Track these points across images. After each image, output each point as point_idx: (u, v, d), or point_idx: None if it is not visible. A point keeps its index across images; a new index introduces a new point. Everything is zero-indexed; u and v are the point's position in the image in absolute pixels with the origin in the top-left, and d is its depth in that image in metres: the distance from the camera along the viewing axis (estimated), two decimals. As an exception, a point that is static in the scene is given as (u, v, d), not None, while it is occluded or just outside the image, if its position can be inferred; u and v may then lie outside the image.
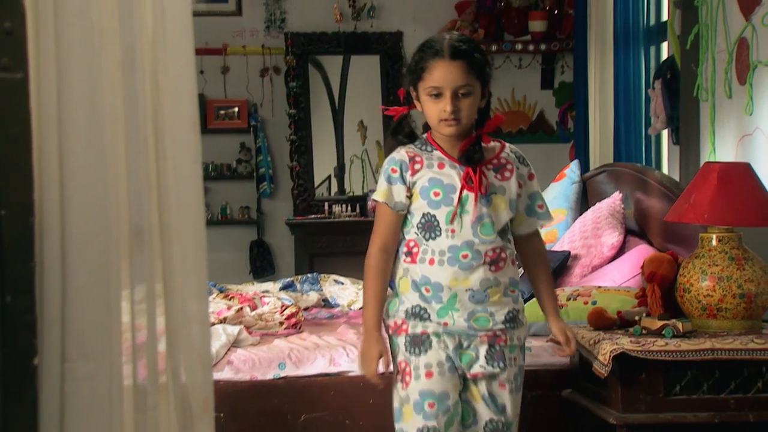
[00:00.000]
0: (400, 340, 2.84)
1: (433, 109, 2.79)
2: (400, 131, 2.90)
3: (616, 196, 4.90)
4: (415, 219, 2.83)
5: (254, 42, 7.56)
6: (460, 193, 2.79)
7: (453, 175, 2.81)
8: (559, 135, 7.74)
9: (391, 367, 2.89)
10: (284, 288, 5.20)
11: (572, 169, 5.55)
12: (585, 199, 5.42)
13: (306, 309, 4.83)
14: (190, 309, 2.18)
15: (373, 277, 2.86)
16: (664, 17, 5.81)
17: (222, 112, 7.52)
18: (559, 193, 5.39)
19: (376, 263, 2.86)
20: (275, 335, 4.17)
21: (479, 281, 2.78)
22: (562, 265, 4.62)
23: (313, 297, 5.03)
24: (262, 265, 7.59)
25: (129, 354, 2.07)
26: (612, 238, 4.59)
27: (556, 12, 7.51)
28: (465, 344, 2.82)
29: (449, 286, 2.78)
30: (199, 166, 2.17)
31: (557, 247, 4.88)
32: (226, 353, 3.85)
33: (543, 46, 7.52)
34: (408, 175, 2.82)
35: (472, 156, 2.80)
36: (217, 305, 4.26)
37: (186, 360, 2.19)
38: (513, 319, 2.85)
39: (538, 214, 2.93)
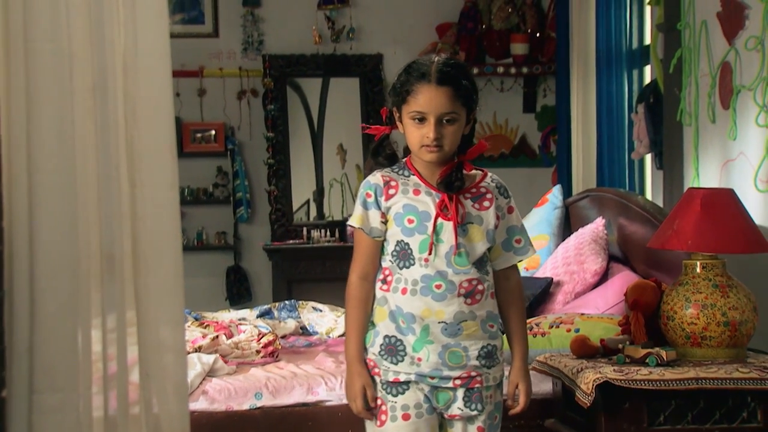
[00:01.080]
0: (376, 379, 2.80)
1: (415, 134, 2.73)
2: (381, 152, 2.85)
3: (599, 222, 4.91)
4: (389, 246, 2.78)
5: (231, 64, 7.56)
6: (435, 221, 2.74)
7: (428, 203, 2.76)
8: (542, 159, 7.76)
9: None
10: (261, 315, 5.18)
11: (555, 194, 5.55)
12: (568, 225, 5.42)
13: (283, 337, 4.81)
14: (165, 338, 2.17)
15: (355, 306, 2.81)
16: (647, 41, 5.84)
17: (198, 135, 7.51)
18: (541, 219, 5.39)
19: (356, 292, 2.81)
20: (252, 364, 4.15)
21: (453, 314, 2.73)
22: (544, 291, 4.62)
23: (290, 324, 5.02)
24: (238, 292, 7.56)
25: (100, 384, 2.05)
26: (595, 264, 4.60)
27: (538, 35, 7.54)
28: (441, 386, 2.76)
29: (421, 317, 2.73)
30: (176, 192, 2.16)
31: (540, 274, 4.88)
32: (201, 383, 3.83)
33: (525, 69, 7.55)
34: (382, 200, 2.77)
35: (451, 183, 2.75)
36: (192, 333, 4.24)
37: (160, 390, 2.17)
38: (488, 356, 2.78)
39: (515, 249, 2.85)
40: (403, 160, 2.84)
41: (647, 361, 3.40)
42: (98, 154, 1.95)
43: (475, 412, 2.77)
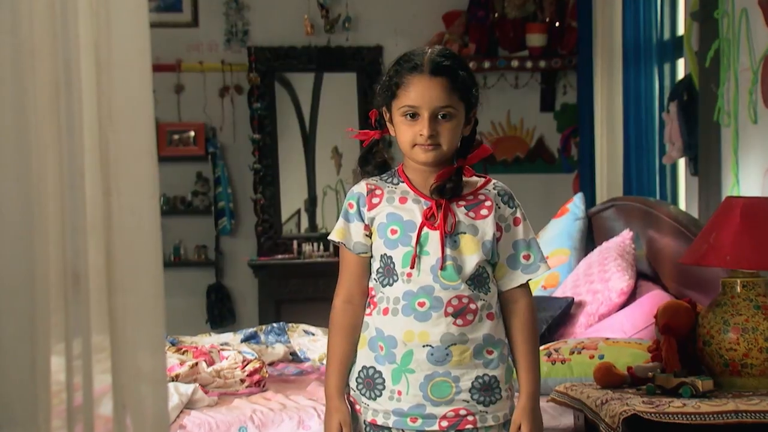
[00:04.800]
0: (359, 417, 2.78)
1: (407, 132, 2.72)
2: (371, 160, 2.84)
3: (626, 235, 4.91)
4: (375, 263, 2.77)
5: (213, 57, 7.58)
6: (419, 230, 2.72)
7: (415, 211, 2.73)
8: (561, 164, 7.77)
9: None
10: (246, 340, 5.18)
11: (576, 204, 5.56)
12: (590, 238, 5.42)
13: (271, 364, 4.81)
14: (143, 366, 2.16)
15: (336, 334, 2.79)
16: (680, 31, 5.85)
17: (176, 137, 7.52)
18: (560, 231, 5.40)
19: (339, 318, 2.80)
20: (235, 395, 4.14)
21: (440, 336, 2.68)
22: (564, 313, 4.62)
23: (279, 350, 5.02)
24: (220, 313, 7.57)
25: (64, 417, 2.05)
26: (621, 282, 4.60)
27: (557, 24, 7.55)
28: (426, 430, 2.72)
29: (404, 341, 2.70)
30: (157, 201, 2.16)
31: (559, 293, 4.88)
32: (178, 416, 3.83)
33: (542, 63, 7.56)
34: (365, 211, 2.77)
35: (444, 188, 2.73)
36: (168, 360, 4.24)
37: (137, 424, 2.17)
38: (485, 390, 2.73)
39: (523, 266, 2.80)
40: (395, 168, 2.84)
41: (680, 391, 3.40)
42: (62, 159, 1.94)
43: None
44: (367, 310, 2.78)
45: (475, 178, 2.80)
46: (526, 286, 2.83)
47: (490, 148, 2.90)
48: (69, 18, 1.95)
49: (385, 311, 2.73)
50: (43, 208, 1.91)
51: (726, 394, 3.45)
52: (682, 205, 5.81)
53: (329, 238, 2.86)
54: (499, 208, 2.78)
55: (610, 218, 5.34)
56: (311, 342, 5.14)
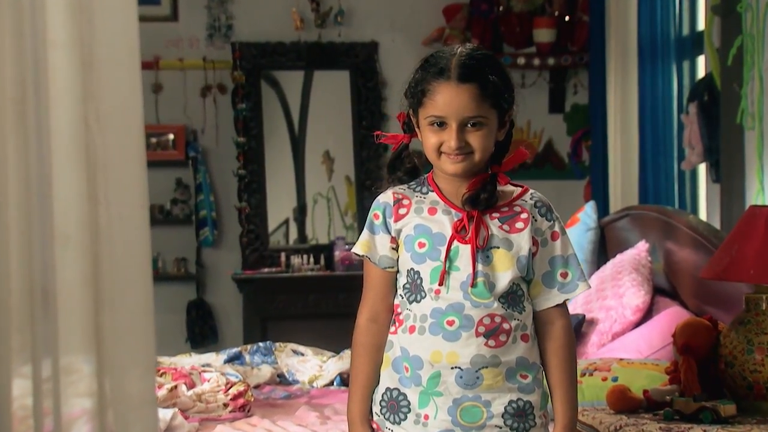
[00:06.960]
0: None
1: (433, 141, 2.70)
2: (399, 166, 2.82)
3: (642, 247, 4.91)
4: (402, 279, 2.76)
5: (194, 54, 7.58)
6: (449, 244, 2.71)
7: (445, 223, 2.72)
8: (572, 170, 7.77)
9: None
10: (230, 360, 5.19)
11: (587, 213, 5.56)
12: (603, 250, 5.42)
13: (257, 387, 4.82)
14: (131, 387, 2.16)
15: (360, 354, 2.79)
16: (701, 26, 5.86)
17: (153, 140, 7.50)
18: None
19: (362, 337, 2.78)
20: (218, 420, 4.15)
21: (470, 357, 2.67)
22: (575, 331, 4.62)
23: (265, 371, 5.02)
24: (202, 332, 7.56)
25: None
26: (637, 298, 4.60)
27: (567, 19, 7.56)
28: None
29: (431, 362, 2.69)
30: (147, 210, 2.16)
31: (569, 310, 4.88)
32: (155, 443, 3.83)
33: (551, 61, 7.57)
34: (391, 222, 2.75)
35: (477, 197, 2.72)
36: (145, 382, 4.24)
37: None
38: (519, 415, 2.71)
39: (560, 285, 2.77)
40: (425, 175, 2.83)
41: (701, 416, 3.40)
42: (29, 166, 1.94)
43: None
44: (392, 328, 2.77)
45: (510, 187, 2.79)
46: (563, 306, 2.81)
47: (527, 152, 2.87)
48: (37, 16, 1.95)
49: (412, 329, 2.72)
50: (1, 216, 1.90)
51: (750, 419, 3.45)
52: (702, 214, 5.81)
53: (353, 251, 2.83)
54: (535, 220, 2.76)
55: (624, 229, 5.34)
56: (300, 363, 5.15)
